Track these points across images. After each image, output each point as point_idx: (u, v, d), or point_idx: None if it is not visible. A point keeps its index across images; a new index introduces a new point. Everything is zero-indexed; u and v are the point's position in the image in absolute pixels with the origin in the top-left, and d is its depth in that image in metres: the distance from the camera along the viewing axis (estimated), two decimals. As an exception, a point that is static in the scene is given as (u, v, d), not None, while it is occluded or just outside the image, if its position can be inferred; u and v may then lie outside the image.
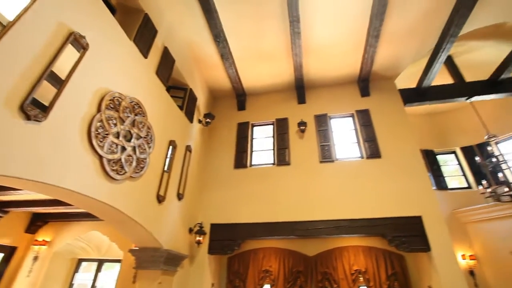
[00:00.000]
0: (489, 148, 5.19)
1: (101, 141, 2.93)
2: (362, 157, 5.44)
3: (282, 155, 5.72)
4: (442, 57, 5.43)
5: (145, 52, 3.95)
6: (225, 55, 5.60)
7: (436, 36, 5.22)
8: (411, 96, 6.19)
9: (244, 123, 6.40)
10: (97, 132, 2.89)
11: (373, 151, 5.33)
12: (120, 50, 3.46)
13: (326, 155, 5.46)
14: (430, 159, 7.52)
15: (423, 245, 4.44)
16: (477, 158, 5.51)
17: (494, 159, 4.96)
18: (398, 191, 4.88)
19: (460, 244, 6.32)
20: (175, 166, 4.68)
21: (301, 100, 6.37)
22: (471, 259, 6.05)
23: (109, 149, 3.05)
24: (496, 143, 6.77)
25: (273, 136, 6.19)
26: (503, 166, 4.93)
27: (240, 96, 6.75)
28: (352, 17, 4.94)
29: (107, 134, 3.03)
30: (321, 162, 5.42)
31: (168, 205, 4.35)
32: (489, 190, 4.78)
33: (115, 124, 3.19)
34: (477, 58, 6.28)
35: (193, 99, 5.64)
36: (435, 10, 4.77)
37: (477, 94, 6.02)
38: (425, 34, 5.25)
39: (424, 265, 4.74)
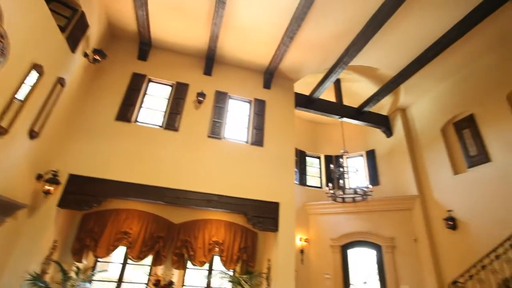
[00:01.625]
0: (341, 160, 6.56)
1: None
2: (247, 142, 5.87)
3: (172, 120, 5.50)
4: (333, 78, 6.42)
5: None
6: (139, -10, 4.84)
7: (335, 59, 6.10)
8: (303, 101, 7.08)
9: (140, 75, 5.77)
10: None
11: (257, 139, 5.84)
12: None
13: (215, 131, 5.61)
14: (301, 158, 8.87)
15: (274, 226, 5.29)
16: (331, 166, 6.90)
17: (341, 169, 6.32)
18: (267, 179, 5.56)
19: (301, 229, 7.84)
20: (35, 97, 3.78)
21: (208, 71, 6.25)
22: (304, 241, 7.65)
23: None
24: (347, 157, 8.65)
25: (169, 99, 5.86)
26: (345, 175, 6.38)
27: (144, 45, 6.01)
28: (277, 11, 5.14)
29: None
30: (209, 136, 5.53)
31: (10, 141, 3.49)
32: (331, 191, 6.06)
33: None
34: (355, 88, 7.75)
35: (83, 25, 4.63)
36: (342, 35, 5.52)
37: (346, 116, 7.46)
38: (329, 53, 6.04)
39: (270, 242, 5.63)
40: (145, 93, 5.82)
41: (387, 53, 6.06)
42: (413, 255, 6.53)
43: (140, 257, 5.30)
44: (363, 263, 7.24)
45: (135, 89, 5.60)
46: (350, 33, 5.40)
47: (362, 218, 7.38)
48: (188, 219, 5.87)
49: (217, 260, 5.93)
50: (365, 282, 7.06)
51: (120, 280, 5.25)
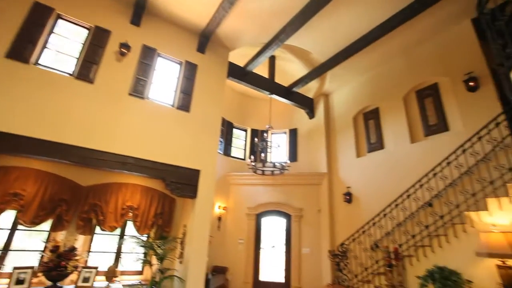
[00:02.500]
0: (265, 135, 6.88)
1: None
2: (173, 105, 5.56)
3: (87, 70, 4.76)
4: (268, 53, 6.50)
5: None
6: None
7: (272, 34, 6.13)
8: (236, 72, 7.01)
9: (45, 7, 4.71)
10: None
11: (184, 104, 5.59)
12: None
13: (138, 89, 5.12)
14: (228, 129, 8.97)
15: (192, 193, 5.30)
16: (256, 139, 7.18)
17: (264, 143, 6.64)
18: (189, 145, 5.45)
19: (221, 197, 8.11)
20: None
21: (136, 21, 5.51)
22: (223, 209, 7.96)
23: None
24: (272, 133, 9.14)
25: (84, 44, 5.02)
26: (268, 150, 6.74)
27: (54, -30, 4.88)
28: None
29: None
30: (130, 94, 5.02)
31: None
32: (253, 163, 6.36)
33: None
34: (287, 67, 8.04)
35: None
36: (282, 12, 5.52)
37: (276, 94, 7.75)
38: (267, 27, 5.99)
39: (187, 208, 5.67)
40: (51, 31, 4.82)
41: (320, 39, 6.40)
42: (315, 224, 7.54)
43: (34, 222, 4.66)
44: (273, 230, 8.01)
45: (37, 23, 4.57)
46: (290, 11, 5.46)
47: (277, 190, 8.05)
48: (99, 182, 5.39)
49: (130, 225, 5.70)
50: (273, 246, 7.87)
51: (6, 248, 4.53)
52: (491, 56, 4.65)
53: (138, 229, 5.56)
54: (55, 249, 4.49)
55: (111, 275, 4.81)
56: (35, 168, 4.81)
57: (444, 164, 4.65)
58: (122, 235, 5.67)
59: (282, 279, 7.37)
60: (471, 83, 5.22)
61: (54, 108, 4.32)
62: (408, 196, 5.02)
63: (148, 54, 5.48)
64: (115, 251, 5.61)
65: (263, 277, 7.53)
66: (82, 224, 5.06)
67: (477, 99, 5.11)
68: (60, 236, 4.92)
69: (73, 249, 4.63)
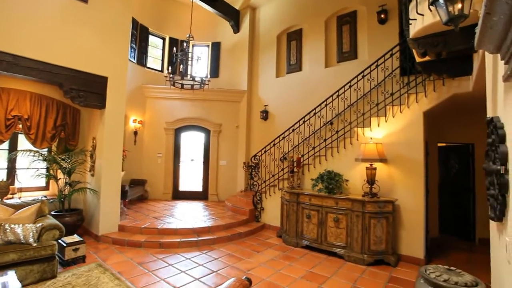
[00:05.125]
0: (185, 45, 6.27)
1: None
2: (67, -7, 4.34)
3: None
4: None
5: None
6: None
7: None
8: (149, -40, 5.70)
9: None
10: None
11: (79, -8, 4.42)
12: None
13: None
14: (143, 35, 7.78)
15: (99, 102, 4.73)
16: (174, 49, 6.51)
17: (184, 55, 6.10)
18: (92, 47, 4.58)
19: (137, 111, 7.57)
20: None
21: None
22: (138, 123, 7.54)
23: None
24: (193, 45, 8.40)
25: None
26: (188, 62, 6.26)
27: None
28: None
29: None
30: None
31: None
32: (171, 75, 5.90)
33: None
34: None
35: None
36: None
37: (199, -2, 6.83)
38: None
39: (95, 119, 5.13)
40: None
41: None
42: (233, 139, 8.02)
43: None
44: (192, 144, 8.21)
45: None
46: None
47: (197, 105, 7.94)
48: (-35, 85, 4.21)
49: (23, 138, 4.92)
50: (192, 160, 8.21)
51: None
52: (402, -12, 5.00)
53: (34, 142, 4.86)
54: None
55: (3, 191, 4.30)
56: None
57: (347, 87, 5.30)
58: (12, 149, 4.91)
59: (200, 189, 8.02)
60: (382, 15, 5.66)
61: None
62: (315, 114, 5.70)
63: None
64: (6, 167, 4.91)
65: (183, 187, 8.02)
66: (-50, 136, 4.10)
67: (384, 32, 5.66)
68: None
69: None
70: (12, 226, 3.21)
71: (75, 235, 4.04)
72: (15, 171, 5.02)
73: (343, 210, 4.39)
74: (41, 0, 4.02)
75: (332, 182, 4.64)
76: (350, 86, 5.27)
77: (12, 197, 4.70)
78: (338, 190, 4.65)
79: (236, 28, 8.26)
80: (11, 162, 4.96)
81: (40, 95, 4.89)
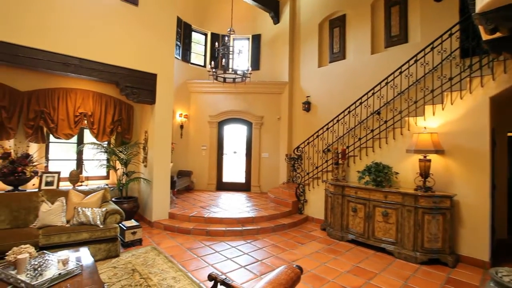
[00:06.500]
0: (226, 39, 6.38)
1: None
2: (118, -4, 4.70)
3: None
4: None
5: None
6: None
7: None
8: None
9: None
10: None
11: (131, -6, 4.75)
12: None
13: (68, -31, 4.12)
14: (186, 32, 8.10)
15: (150, 98, 5.08)
16: (216, 44, 6.67)
17: (225, 49, 6.22)
18: (142, 46, 4.92)
19: (182, 106, 7.97)
20: None
21: None
22: (184, 117, 7.95)
23: None
24: (234, 38, 8.51)
25: None
26: (230, 56, 6.38)
27: None
28: None
29: None
30: (59, -24, 4.05)
31: None
32: (213, 70, 6.07)
33: None
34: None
35: None
36: None
37: (239, -9, 6.86)
38: None
39: (147, 114, 5.53)
40: None
41: None
42: (275, 130, 8.02)
43: (-26, 129, 4.25)
44: (235, 137, 8.40)
45: None
46: None
47: (239, 98, 8.07)
48: (41, 87, 4.83)
49: (88, 132, 5.51)
50: (235, 152, 8.41)
51: None
52: (464, -41, 4.44)
53: (96, 136, 5.42)
54: (5, 156, 4.29)
55: (74, 179, 4.88)
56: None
57: (397, 74, 4.92)
58: (80, 143, 5.53)
59: (243, 180, 8.20)
60: (438, -10, 5.11)
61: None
62: (361, 103, 5.42)
63: None
64: (76, 158, 5.55)
65: (226, 178, 8.29)
66: (31, 132, 4.74)
67: (440, 10, 5.11)
68: (8, 144, 4.62)
69: (27, 155, 4.46)
70: (84, 209, 3.64)
71: (132, 220, 4.44)
72: (82, 162, 5.66)
73: (392, 204, 4.15)
74: (101, 9, 4.42)
75: (380, 174, 4.39)
76: (400, 73, 4.88)
77: (81, 185, 5.32)
78: (387, 183, 4.39)
79: (276, 19, 8.15)
80: (79, 154, 5.59)
81: (100, 94, 5.40)
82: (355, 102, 5.53)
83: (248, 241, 4.53)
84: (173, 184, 6.36)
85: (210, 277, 1.67)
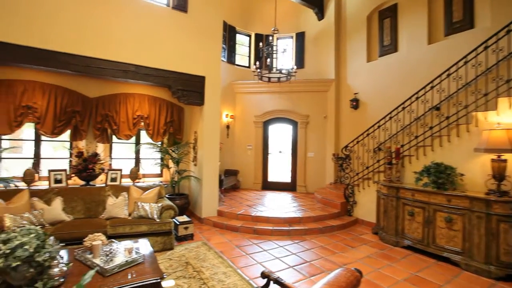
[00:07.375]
0: (270, 39, 6.40)
1: None
2: (168, 5, 5.02)
3: (65, -39, 4.11)
4: None
5: None
6: None
7: None
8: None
9: None
10: None
11: (181, 3, 5.03)
12: None
13: (128, -15, 4.52)
14: (231, 35, 8.32)
15: (199, 100, 5.34)
16: (260, 44, 6.72)
17: (270, 48, 6.23)
18: (191, 50, 5.18)
19: (228, 106, 8.21)
20: None
21: None
22: (230, 118, 8.17)
23: None
24: (277, 38, 8.49)
25: None
26: (274, 55, 6.38)
27: None
28: None
29: None
30: (120, -8, 4.47)
31: None
32: (258, 70, 6.13)
33: None
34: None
35: None
36: None
37: (283, -11, 6.81)
38: None
39: (196, 115, 5.81)
40: None
41: None
42: (321, 129, 7.80)
43: (55, 132, 4.90)
44: (280, 136, 8.38)
45: None
46: None
47: (284, 97, 8.03)
48: (106, 93, 5.38)
49: (144, 134, 5.98)
50: (280, 151, 8.39)
51: (37, 157, 4.95)
52: None
53: (152, 136, 5.86)
54: (80, 155, 4.87)
55: (134, 176, 5.34)
56: (39, 81, 4.73)
57: (461, 64, 4.41)
58: (137, 143, 6.03)
59: (288, 180, 8.15)
60: (513, -35, 4.45)
61: (36, 8, 3.91)
62: (417, 98, 4.98)
63: None
64: (134, 157, 6.07)
65: (271, 178, 8.31)
66: (98, 133, 5.31)
67: (516, -13, 4.45)
68: (81, 144, 5.25)
69: (96, 154, 5.01)
70: (143, 204, 3.96)
71: (184, 216, 4.70)
72: (140, 160, 6.16)
73: (458, 209, 3.73)
74: (153, 18, 4.78)
75: (442, 176, 3.97)
76: (465, 62, 4.37)
77: (139, 181, 5.80)
78: (450, 185, 3.95)
79: (321, 15, 7.92)
80: (137, 153, 6.10)
81: (154, 97, 5.83)
82: (410, 97, 5.10)
83: (296, 241, 4.47)
84: (220, 182, 6.58)
85: (263, 275, 1.68)
